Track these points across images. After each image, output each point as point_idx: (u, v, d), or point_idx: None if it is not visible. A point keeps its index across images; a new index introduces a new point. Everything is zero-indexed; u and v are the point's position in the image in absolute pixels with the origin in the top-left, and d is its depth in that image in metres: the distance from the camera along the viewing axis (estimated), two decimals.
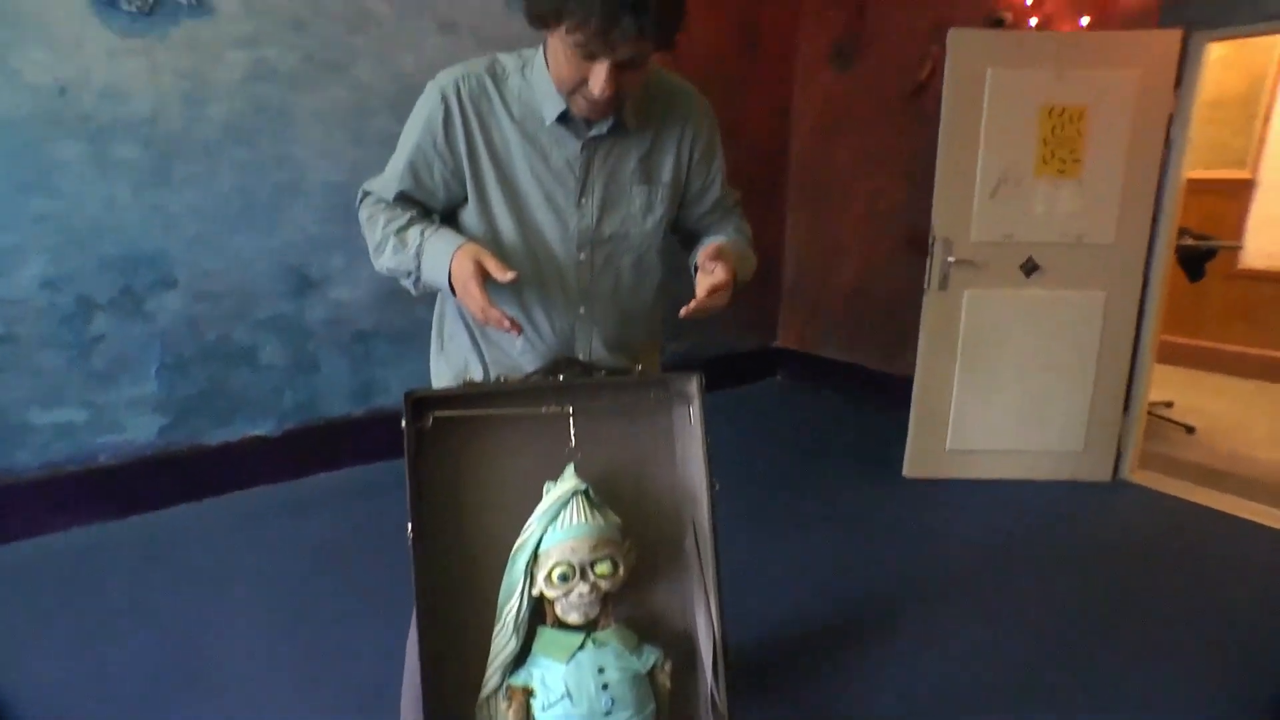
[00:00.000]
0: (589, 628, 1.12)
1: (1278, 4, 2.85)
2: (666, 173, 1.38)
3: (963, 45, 3.09)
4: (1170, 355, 4.76)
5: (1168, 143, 3.10)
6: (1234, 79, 4.95)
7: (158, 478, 2.92)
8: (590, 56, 1.12)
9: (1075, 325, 3.24)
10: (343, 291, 3.23)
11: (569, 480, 1.12)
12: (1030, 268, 3.20)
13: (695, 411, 1.19)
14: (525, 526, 1.13)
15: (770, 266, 4.72)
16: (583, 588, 1.10)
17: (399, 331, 3.37)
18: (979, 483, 3.33)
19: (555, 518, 1.10)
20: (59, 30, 2.54)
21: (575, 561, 1.09)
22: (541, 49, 1.27)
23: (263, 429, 3.15)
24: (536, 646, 1.13)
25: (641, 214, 1.36)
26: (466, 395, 1.16)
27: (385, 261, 1.33)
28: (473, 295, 1.18)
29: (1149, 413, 3.57)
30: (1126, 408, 3.35)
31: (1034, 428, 3.34)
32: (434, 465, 1.14)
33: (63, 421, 2.74)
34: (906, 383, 3.44)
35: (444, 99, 1.28)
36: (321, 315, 3.20)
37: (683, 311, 1.26)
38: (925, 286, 3.26)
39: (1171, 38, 3.01)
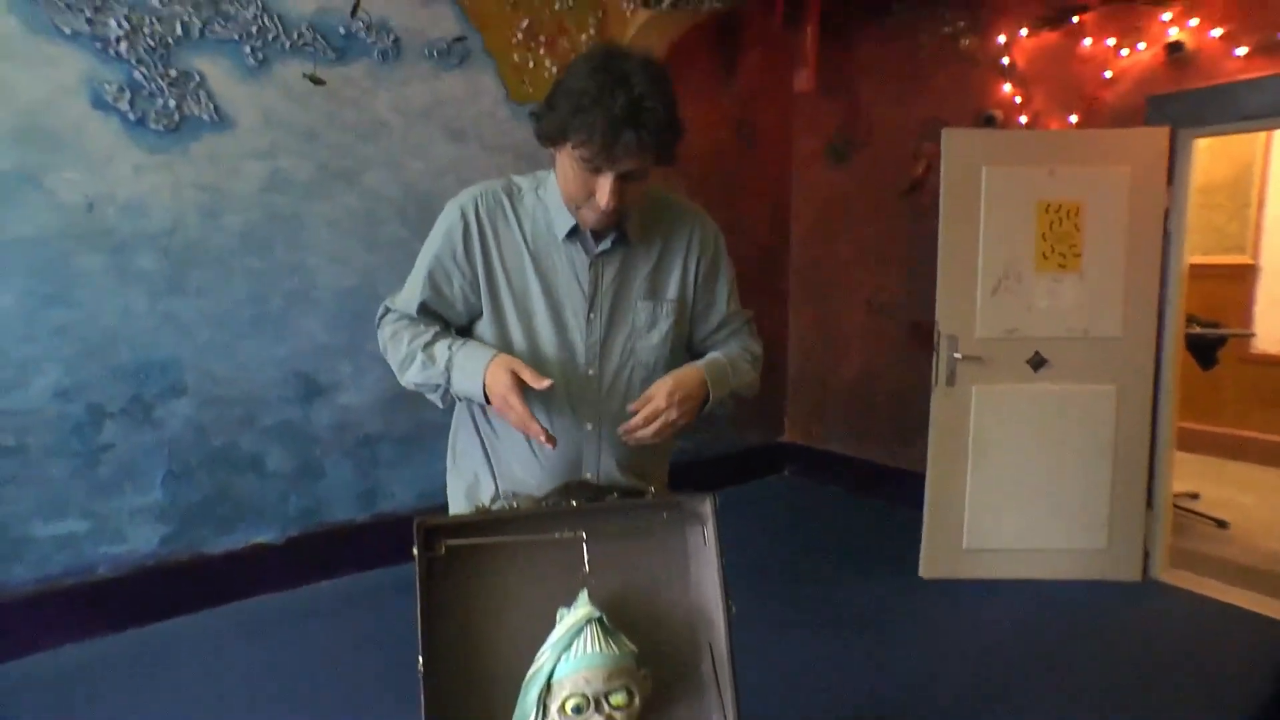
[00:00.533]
0: None
1: (1253, 104, 2.94)
2: (672, 289, 1.41)
3: (957, 144, 3.17)
4: (1188, 442, 4.69)
5: (1166, 235, 3.13)
6: (1222, 167, 5.08)
7: (158, 588, 2.85)
8: (596, 170, 1.20)
9: (1088, 419, 3.18)
10: (350, 396, 3.23)
11: (583, 607, 1.09)
12: (1038, 362, 3.19)
13: (709, 532, 1.17)
14: (538, 655, 1.09)
15: (775, 362, 4.73)
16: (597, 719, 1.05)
17: (404, 435, 3.36)
18: (1001, 583, 3.20)
19: (569, 646, 1.07)
20: (94, 150, 2.64)
21: (589, 692, 1.05)
22: (554, 169, 1.32)
23: (266, 536, 3.09)
24: None
25: (645, 328, 1.38)
26: (478, 522, 1.14)
27: (412, 377, 1.35)
28: (514, 408, 1.22)
29: (1176, 506, 3.44)
30: (1150, 503, 3.25)
31: (1053, 525, 3.24)
32: (445, 592, 1.11)
33: (63, 533, 2.69)
34: (916, 477, 3.38)
35: (463, 214, 1.34)
36: (328, 420, 3.19)
37: (620, 430, 1.30)
38: (933, 383, 3.24)
39: (1159, 135, 3.10)
